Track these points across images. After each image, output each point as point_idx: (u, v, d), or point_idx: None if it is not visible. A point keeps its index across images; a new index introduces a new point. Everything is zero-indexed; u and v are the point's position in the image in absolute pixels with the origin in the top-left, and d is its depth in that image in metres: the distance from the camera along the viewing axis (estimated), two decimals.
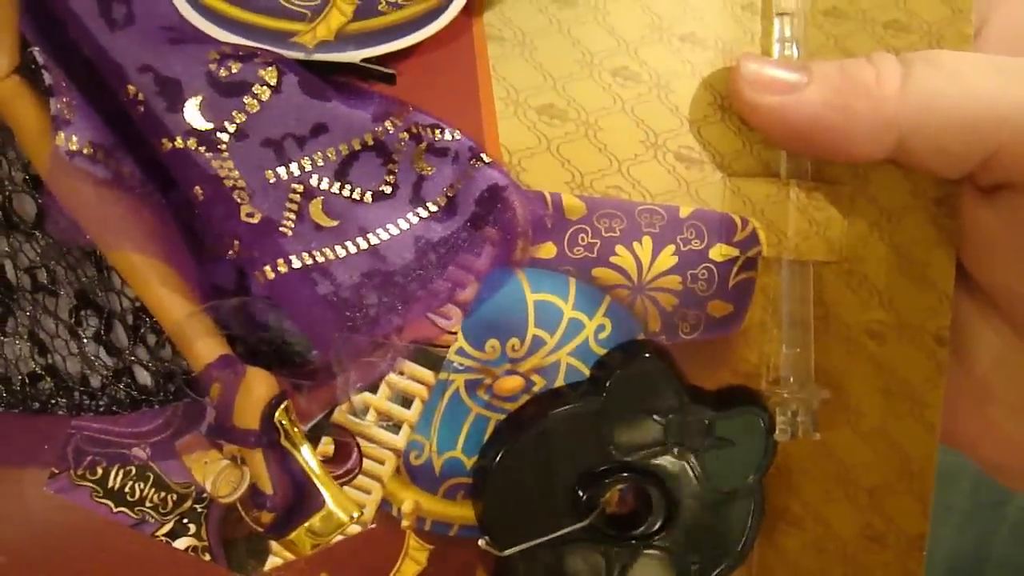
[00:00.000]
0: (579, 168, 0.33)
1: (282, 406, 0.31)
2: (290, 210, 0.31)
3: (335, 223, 0.31)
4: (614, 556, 0.34)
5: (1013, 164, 0.31)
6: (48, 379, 0.34)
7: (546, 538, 0.33)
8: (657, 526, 0.34)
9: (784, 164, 0.33)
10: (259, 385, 0.31)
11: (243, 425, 0.31)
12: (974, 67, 0.31)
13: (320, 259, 0.30)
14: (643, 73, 0.33)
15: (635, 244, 0.33)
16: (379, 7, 0.31)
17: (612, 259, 0.33)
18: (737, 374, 0.35)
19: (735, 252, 0.34)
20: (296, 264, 0.30)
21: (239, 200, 0.30)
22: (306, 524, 0.31)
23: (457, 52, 0.33)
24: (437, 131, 0.32)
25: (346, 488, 0.33)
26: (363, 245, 0.31)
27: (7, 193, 0.33)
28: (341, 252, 0.31)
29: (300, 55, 0.31)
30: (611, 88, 0.33)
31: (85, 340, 0.33)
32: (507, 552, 0.33)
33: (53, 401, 0.34)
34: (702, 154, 0.33)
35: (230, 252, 0.30)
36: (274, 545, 0.34)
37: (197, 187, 0.30)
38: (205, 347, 0.31)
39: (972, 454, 0.37)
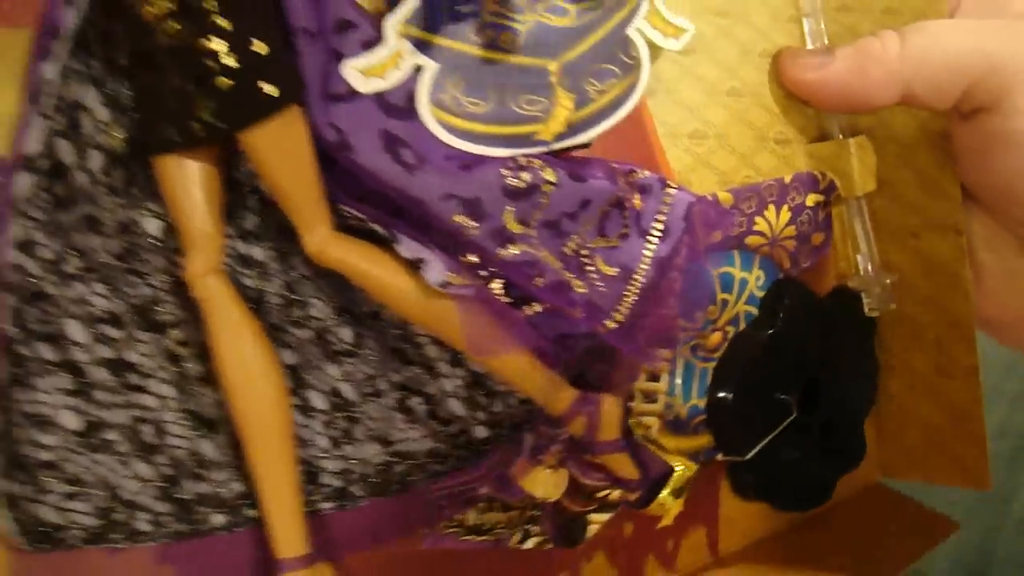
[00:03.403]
0: (722, 170, 0.43)
1: (630, 415, 0.39)
2: (590, 272, 0.38)
3: (616, 271, 0.39)
4: (811, 432, 0.46)
5: (982, 94, 0.44)
6: (401, 462, 0.39)
7: (768, 438, 0.44)
8: (832, 391, 0.46)
9: (836, 128, 0.45)
10: (612, 406, 0.39)
11: (608, 438, 0.39)
12: (950, 28, 0.44)
13: (629, 303, 0.38)
14: (744, 88, 0.43)
15: (766, 212, 0.44)
16: (590, 95, 0.38)
17: (754, 227, 0.44)
18: (832, 279, 0.47)
19: (822, 197, 0.45)
20: (624, 311, 0.38)
21: (566, 278, 0.37)
22: (667, 488, 0.40)
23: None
24: (636, 174, 0.40)
25: None
26: (638, 282, 0.39)
27: (328, 326, 0.37)
28: (633, 292, 0.39)
29: (543, 148, 0.38)
30: (728, 105, 0.43)
31: (428, 421, 0.39)
32: (748, 455, 0.44)
33: (411, 477, 0.39)
34: (788, 134, 0.44)
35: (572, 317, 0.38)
36: (592, 517, 0.42)
37: (538, 279, 0.36)
38: (565, 394, 0.38)
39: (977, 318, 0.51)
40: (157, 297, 0.36)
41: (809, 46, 0.44)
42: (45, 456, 0.35)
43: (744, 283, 0.44)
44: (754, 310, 0.44)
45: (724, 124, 0.43)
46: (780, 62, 0.44)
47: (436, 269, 0.35)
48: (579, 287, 0.37)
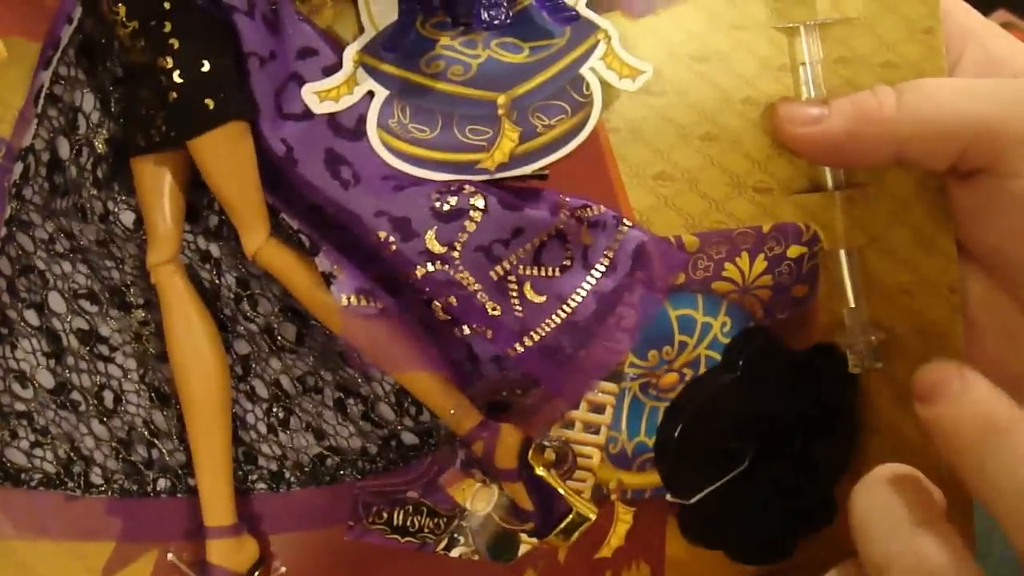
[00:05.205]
0: (690, 213, 0.42)
1: (531, 448, 0.40)
2: (513, 297, 0.39)
3: (544, 298, 0.40)
4: (769, 478, 0.44)
5: (979, 155, 0.41)
6: (333, 456, 0.41)
7: (717, 484, 0.43)
8: (798, 447, 0.44)
9: (828, 179, 0.43)
10: (510, 436, 0.40)
11: (504, 466, 0.40)
12: (947, 89, 0.41)
13: (545, 330, 0.39)
14: (721, 134, 0.42)
15: (737, 259, 0.43)
16: (537, 130, 0.39)
17: (723, 273, 0.43)
18: (817, 333, 0.45)
19: (805, 249, 0.43)
20: (535, 338, 0.39)
21: (482, 300, 0.38)
22: (559, 527, 0.40)
23: (588, 145, 0.41)
24: (589, 209, 0.40)
25: (568, 481, 0.43)
26: (566, 312, 0.40)
27: (273, 322, 0.40)
28: (555, 321, 0.39)
29: (485, 177, 0.39)
30: (701, 150, 0.42)
31: (360, 421, 0.41)
32: (691, 500, 0.43)
33: (341, 472, 0.41)
34: (770, 183, 0.43)
35: (484, 337, 0.39)
36: (523, 537, 0.43)
37: (450, 297, 0.38)
38: (469, 418, 0.39)
39: None
40: (127, 280, 0.40)
41: (804, 96, 0.43)
42: (20, 406, 0.40)
43: (707, 327, 0.43)
44: (717, 356, 0.43)
45: (695, 168, 0.42)
46: (774, 115, 0.42)
47: (343, 287, 0.37)
48: (493, 310, 0.38)
